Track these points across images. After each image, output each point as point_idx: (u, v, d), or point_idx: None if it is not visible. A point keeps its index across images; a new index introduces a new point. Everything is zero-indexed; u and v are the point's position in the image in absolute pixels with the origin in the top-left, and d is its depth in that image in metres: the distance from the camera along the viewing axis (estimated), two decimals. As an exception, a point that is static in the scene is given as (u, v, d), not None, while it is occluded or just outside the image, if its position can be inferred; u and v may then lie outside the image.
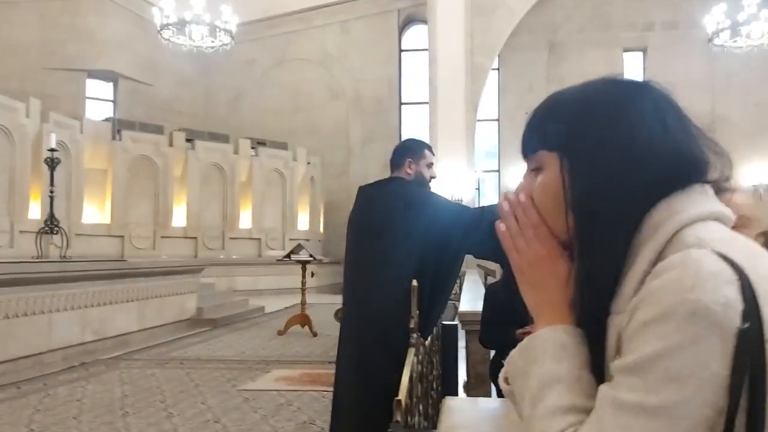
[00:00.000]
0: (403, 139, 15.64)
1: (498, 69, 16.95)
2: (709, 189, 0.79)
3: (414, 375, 2.16)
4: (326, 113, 16.73)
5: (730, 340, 0.63)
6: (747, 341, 0.64)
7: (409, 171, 2.92)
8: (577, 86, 0.85)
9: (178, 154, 13.73)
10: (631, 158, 0.76)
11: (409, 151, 2.96)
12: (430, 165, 2.98)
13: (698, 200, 0.76)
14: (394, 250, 2.75)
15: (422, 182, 2.95)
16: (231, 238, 14.26)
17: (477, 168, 16.29)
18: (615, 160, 0.76)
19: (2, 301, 5.87)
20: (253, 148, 14.79)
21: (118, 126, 13.22)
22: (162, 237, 13.32)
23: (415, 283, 2.37)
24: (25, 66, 14.36)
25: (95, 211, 12.71)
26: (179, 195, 13.79)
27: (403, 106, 17.27)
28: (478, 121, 15.47)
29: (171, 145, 13.68)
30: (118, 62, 15.73)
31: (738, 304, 0.64)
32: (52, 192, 8.40)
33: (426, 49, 14.77)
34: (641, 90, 0.81)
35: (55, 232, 8.32)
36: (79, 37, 15.01)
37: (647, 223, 0.75)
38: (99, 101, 16.47)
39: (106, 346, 7.18)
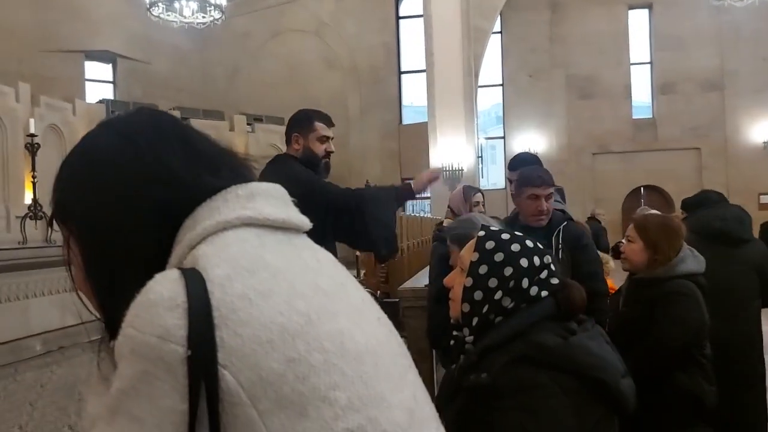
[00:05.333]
0: (402, 107, 15.08)
1: (501, 32, 16.55)
2: (237, 193, 0.76)
3: None
4: (323, 84, 16.50)
5: (180, 370, 0.60)
6: (198, 368, 0.60)
7: (296, 147, 2.70)
8: (77, 144, 0.82)
9: (174, 133, 13.71)
10: (122, 203, 0.74)
11: (296, 124, 2.74)
12: (323, 139, 2.73)
13: (213, 211, 0.73)
14: None
15: (312, 158, 2.71)
16: (230, 215, 14.28)
17: (481, 135, 16.04)
18: (105, 212, 0.75)
19: (-26, 288, 5.96)
20: (249, 124, 14.71)
21: (112, 107, 13.22)
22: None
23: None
24: (22, 48, 14.34)
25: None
26: (177, 173, 13.83)
27: (403, 75, 16.99)
28: (482, 86, 15.16)
29: (166, 124, 13.66)
30: (113, 41, 15.69)
31: (179, 331, 0.61)
32: (34, 177, 8.47)
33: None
34: (130, 132, 0.79)
35: (39, 217, 8.39)
36: (74, 16, 14.96)
37: (177, 243, 0.73)
38: (99, 83, 16.54)
39: (90, 328, 7.25)
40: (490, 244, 1.43)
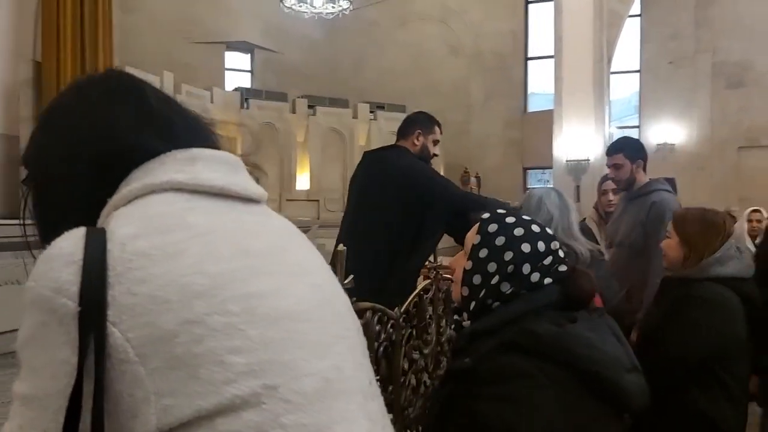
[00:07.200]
0: (529, 93, 14.80)
1: (640, 15, 15.57)
2: (176, 157, 0.76)
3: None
4: (445, 72, 16.36)
5: (71, 324, 0.61)
6: (88, 323, 0.61)
7: (416, 142, 3.05)
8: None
9: (300, 120, 14.26)
10: (64, 154, 0.76)
11: (420, 123, 3.09)
12: (436, 142, 3.13)
13: (147, 173, 0.74)
14: (385, 222, 2.83)
15: (426, 156, 3.09)
16: (351, 200, 14.65)
17: (614, 124, 15.20)
18: (51, 163, 0.77)
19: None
20: (371, 112, 14.96)
21: (246, 95, 14.00)
22: (287, 200, 14.03)
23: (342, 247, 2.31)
24: (169, 39, 15.45)
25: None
26: (302, 159, 14.38)
27: (529, 61, 16.46)
28: (617, 72, 14.37)
29: (293, 111, 14.24)
30: (250, 32, 16.51)
31: (71, 287, 0.62)
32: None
33: (554, -1, 13.90)
34: (86, 90, 0.82)
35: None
36: (216, 9, 15.90)
37: (108, 203, 0.75)
38: (238, 72, 17.48)
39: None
40: (492, 227, 1.36)
